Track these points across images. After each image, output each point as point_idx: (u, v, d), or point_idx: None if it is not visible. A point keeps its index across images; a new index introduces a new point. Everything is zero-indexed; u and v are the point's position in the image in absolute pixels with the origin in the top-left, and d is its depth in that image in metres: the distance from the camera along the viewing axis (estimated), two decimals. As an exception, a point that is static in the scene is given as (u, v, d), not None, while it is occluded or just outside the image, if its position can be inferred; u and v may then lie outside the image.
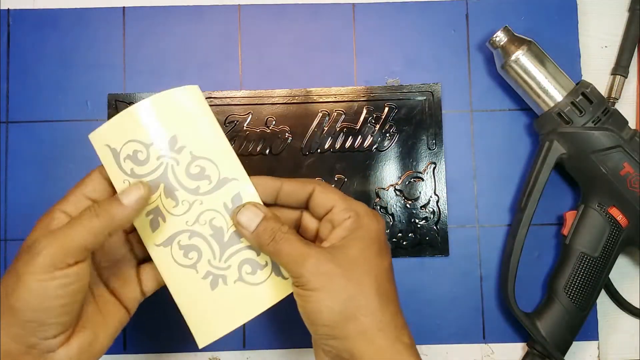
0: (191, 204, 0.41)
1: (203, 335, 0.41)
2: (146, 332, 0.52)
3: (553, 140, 0.50)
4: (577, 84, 0.50)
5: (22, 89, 0.54)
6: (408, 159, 0.53)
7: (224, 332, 0.41)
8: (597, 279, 0.50)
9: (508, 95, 0.54)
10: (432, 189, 0.53)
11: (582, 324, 0.51)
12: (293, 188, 0.41)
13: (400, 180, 0.53)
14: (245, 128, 0.53)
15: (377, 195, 0.53)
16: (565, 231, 0.51)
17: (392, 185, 0.53)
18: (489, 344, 0.53)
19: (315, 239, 0.42)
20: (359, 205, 0.40)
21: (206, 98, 0.53)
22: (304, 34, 0.55)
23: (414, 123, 0.54)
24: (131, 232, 0.43)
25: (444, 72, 0.54)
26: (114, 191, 0.41)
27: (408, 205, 0.53)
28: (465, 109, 0.54)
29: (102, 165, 0.41)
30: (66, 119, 0.53)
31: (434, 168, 0.53)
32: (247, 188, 0.41)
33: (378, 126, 0.54)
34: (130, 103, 0.53)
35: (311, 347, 0.53)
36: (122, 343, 0.52)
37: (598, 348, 0.53)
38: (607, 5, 0.56)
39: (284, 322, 0.52)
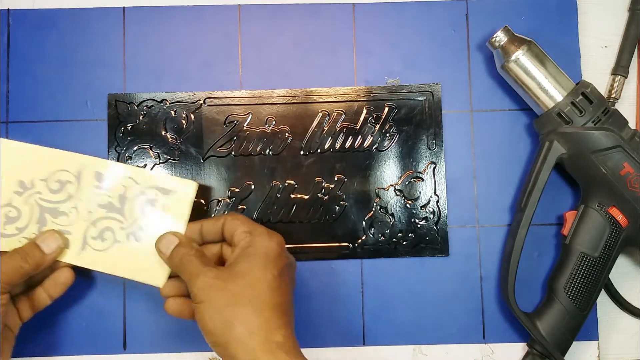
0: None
1: (153, 278, 0.48)
2: (146, 332, 0.52)
3: (553, 140, 0.50)
4: (577, 84, 0.50)
5: (22, 89, 0.53)
6: (408, 159, 0.53)
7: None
8: (597, 279, 0.50)
9: (508, 95, 0.54)
10: (432, 189, 0.53)
11: (582, 324, 0.51)
12: (209, 224, 0.47)
13: (400, 180, 0.53)
14: (245, 128, 0.53)
15: (377, 195, 0.53)
16: (565, 231, 0.51)
17: (392, 185, 0.53)
18: (489, 344, 0.53)
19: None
20: (257, 227, 0.46)
21: (206, 98, 0.53)
22: (304, 34, 0.55)
23: (414, 123, 0.54)
24: None
25: (444, 72, 0.54)
26: None
27: (408, 205, 0.53)
28: (465, 109, 0.54)
29: None
30: (66, 119, 0.53)
31: (434, 168, 0.53)
32: None
33: (378, 126, 0.54)
34: (131, 103, 0.53)
35: (310, 347, 0.53)
36: (122, 343, 0.52)
37: (598, 348, 0.53)
38: (607, 5, 0.56)
39: (284, 322, 0.52)
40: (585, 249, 0.50)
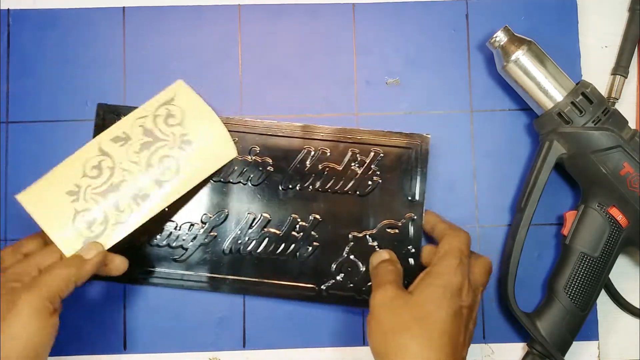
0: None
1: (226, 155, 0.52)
2: (146, 332, 0.52)
3: (553, 140, 0.50)
4: (577, 84, 0.50)
5: (22, 89, 0.54)
6: (387, 208, 0.51)
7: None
8: (597, 279, 0.50)
9: (508, 95, 0.54)
10: (408, 242, 0.51)
11: (582, 324, 0.51)
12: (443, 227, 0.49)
13: (376, 229, 0.51)
14: None
15: (351, 241, 0.51)
16: (565, 231, 0.51)
17: (367, 232, 0.51)
18: (489, 344, 0.53)
19: None
20: (451, 252, 0.45)
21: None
22: (304, 34, 0.55)
23: (399, 172, 0.52)
24: None
25: (444, 72, 0.54)
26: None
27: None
28: (465, 109, 0.54)
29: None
30: (66, 119, 0.53)
31: (412, 220, 0.51)
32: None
33: (361, 170, 0.52)
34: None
35: (310, 347, 0.53)
36: (122, 343, 0.52)
37: (598, 348, 0.53)
38: (607, 5, 0.56)
39: (284, 322, 0.52)
40: (585, 249, 0.50)
